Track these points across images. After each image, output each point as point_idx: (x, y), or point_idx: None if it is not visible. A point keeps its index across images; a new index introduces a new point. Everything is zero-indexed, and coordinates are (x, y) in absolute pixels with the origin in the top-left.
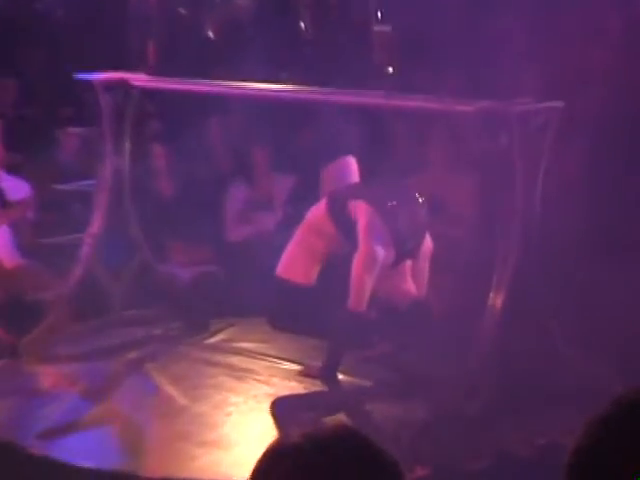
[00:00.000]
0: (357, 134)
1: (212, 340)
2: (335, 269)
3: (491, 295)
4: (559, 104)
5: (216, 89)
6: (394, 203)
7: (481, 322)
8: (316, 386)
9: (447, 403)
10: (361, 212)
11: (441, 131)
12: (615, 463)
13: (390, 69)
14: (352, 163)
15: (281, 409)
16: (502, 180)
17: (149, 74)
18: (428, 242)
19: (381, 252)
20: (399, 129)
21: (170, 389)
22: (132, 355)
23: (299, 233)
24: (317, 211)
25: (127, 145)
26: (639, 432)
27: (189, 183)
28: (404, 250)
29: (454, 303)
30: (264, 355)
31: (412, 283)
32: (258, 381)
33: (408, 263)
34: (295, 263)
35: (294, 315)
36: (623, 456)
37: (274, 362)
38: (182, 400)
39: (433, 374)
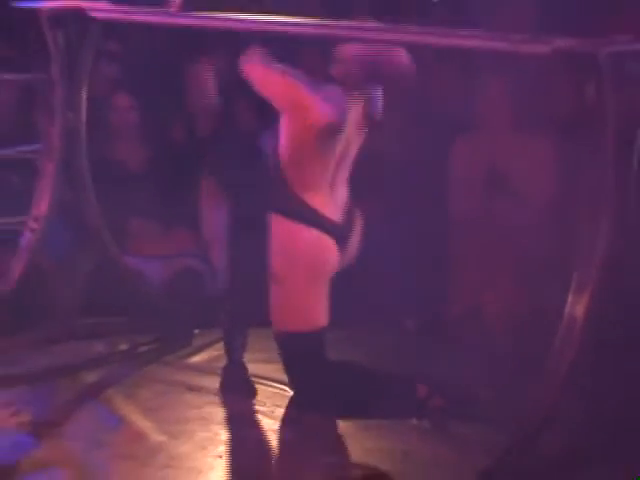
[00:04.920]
0: None
1: (196, 358)
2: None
3: (569, 301)
4: None
5: (207, 22)
6: None
7: (556, 337)
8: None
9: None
10: None
11: (500, 80)
12: None
13: None
14: None
15: (290, 450)
16: (586, 147)
17: (112, 1)
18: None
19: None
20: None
21: (140, 422)
22: (89, 377)
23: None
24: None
25: (83, 96)
26: None
27: (163, 148)
28: None
29: (517, 311)
30: (267, 379)
31: None
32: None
33: None
34: (288, 301)
35: (320, 383)
36: None
37: (281, 389)
38: (156, 436)
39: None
